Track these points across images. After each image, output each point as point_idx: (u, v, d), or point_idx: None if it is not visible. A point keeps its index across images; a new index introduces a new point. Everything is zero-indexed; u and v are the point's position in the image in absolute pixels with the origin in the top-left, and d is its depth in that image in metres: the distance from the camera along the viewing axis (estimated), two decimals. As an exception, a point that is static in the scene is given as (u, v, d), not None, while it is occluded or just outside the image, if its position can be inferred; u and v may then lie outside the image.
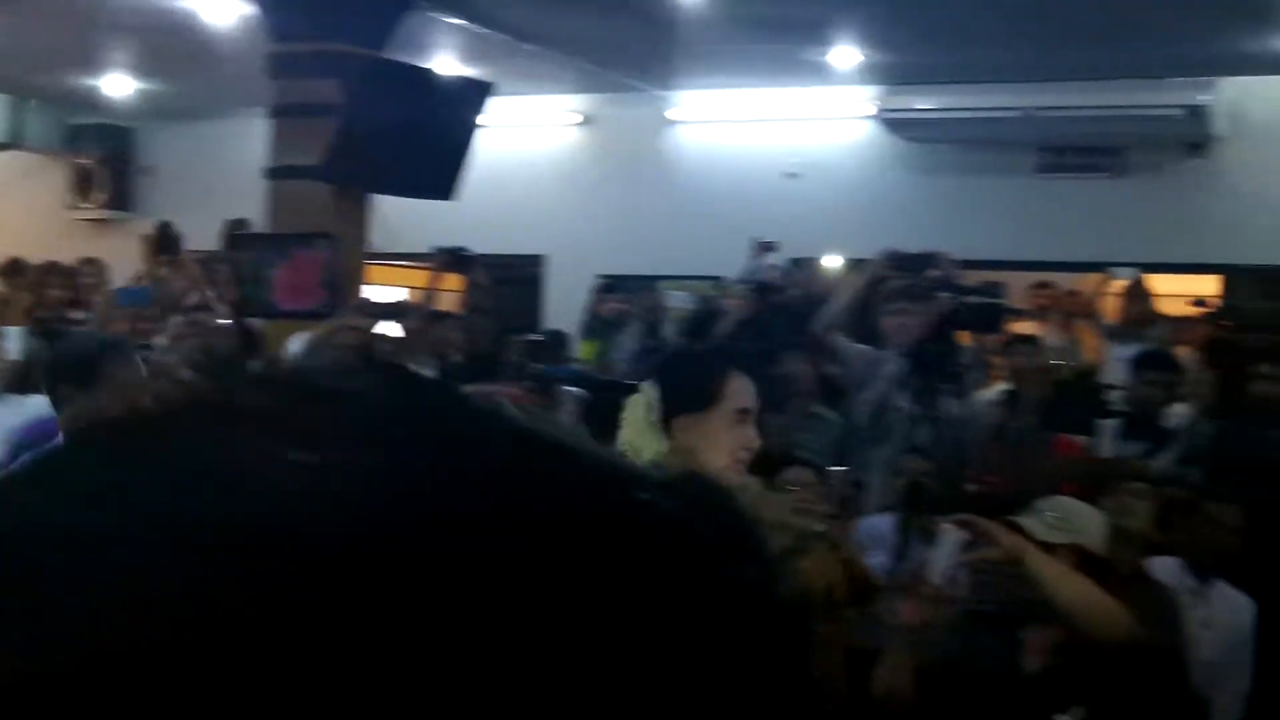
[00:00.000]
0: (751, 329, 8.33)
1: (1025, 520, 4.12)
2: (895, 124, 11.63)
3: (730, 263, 10.78)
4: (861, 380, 7.54)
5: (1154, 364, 7.60)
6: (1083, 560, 3.98)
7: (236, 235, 10.16)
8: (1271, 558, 5.92)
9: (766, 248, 10.33)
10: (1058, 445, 6.99)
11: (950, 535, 3.87)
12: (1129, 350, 8.67)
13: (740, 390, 3.44)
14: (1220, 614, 5.36)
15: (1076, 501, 4.44)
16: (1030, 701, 3.82)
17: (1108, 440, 7.10)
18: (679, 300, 10.71)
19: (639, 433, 3.39)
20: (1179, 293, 10.90)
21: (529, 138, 13.02)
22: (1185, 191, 11.14)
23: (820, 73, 11.06)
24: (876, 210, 11.29)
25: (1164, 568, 5.25)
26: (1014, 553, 3.86)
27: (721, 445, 3.40)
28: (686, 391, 3.42)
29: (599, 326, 10.33)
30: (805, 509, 5.29)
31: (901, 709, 4.07)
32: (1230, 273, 11.21)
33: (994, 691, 3.82)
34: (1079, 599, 3.90)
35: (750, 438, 3.45)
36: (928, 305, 7.37)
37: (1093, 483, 5.59)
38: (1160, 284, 10.20)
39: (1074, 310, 9.55)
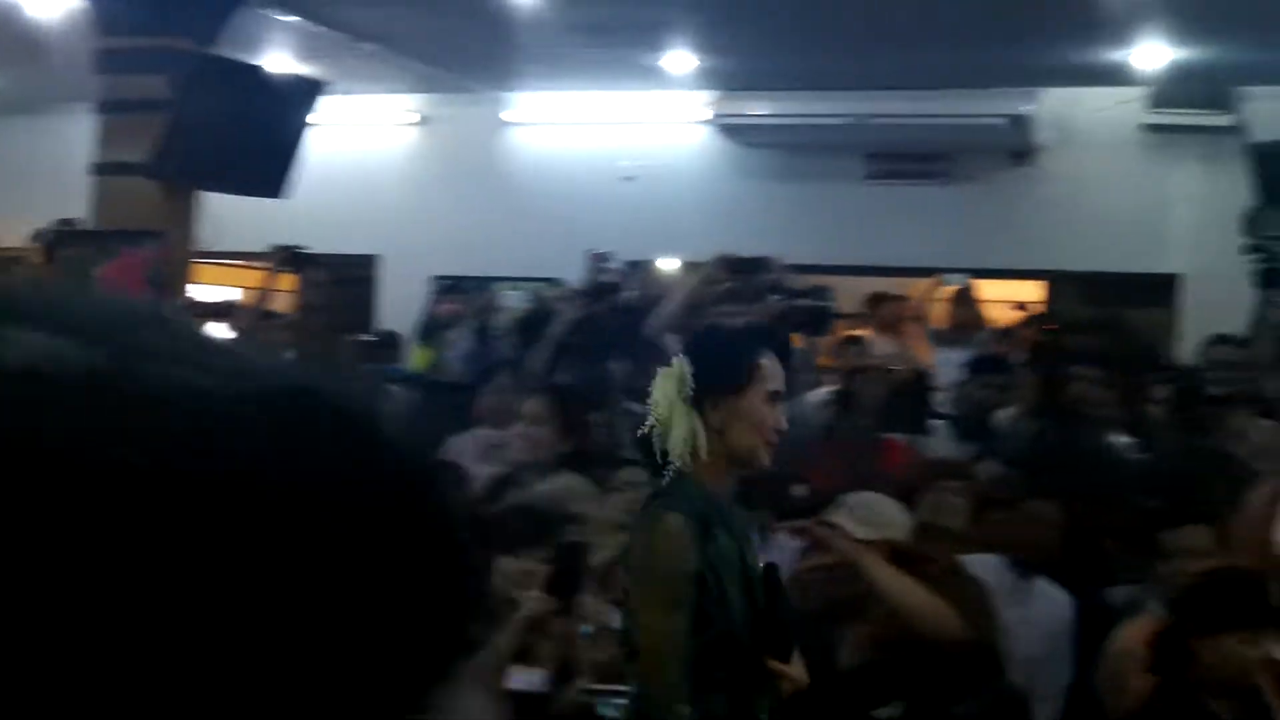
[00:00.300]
0: (586, 330, 8.34)
1: (836, 517, 4.19)
2: (729, 129, 11.72)
3: (566, 265, 10.79)
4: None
5: (986, 368, 7.80)
6: (893, 554, 4.06)
7: (62, 233, 9.92)
8: (1089, 554, 6.09)
9: (601, 258, 10.34)
10: (884, 446, 7.11)
11: (786, 541, 3.92)
12: (956, 354, 8.86)
13: (772, 372, 3.48)
14: (1040, 610, 5.49)
15: (880, 496, 4.53)
16: (850, 696, 3.89)
17: (939, 441, 7.24)
18: (515, 302, 10.69)
19: (669, 407, 3.39)
20: (1005, 298, 11.16)
21: (364, 137, 12.91)
22: (1010, 199, 11.40)
23: (655, 77, 11.12)
24: (711, 214, 11.37)
25: (984, 565, 5.36)
26: (851, 556, 3.93)
27: (752, 425, 3.43)
28: (721, 371, 3.44)
29: (434, 328, 10.27)
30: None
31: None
32: (1053, 278, 11.50)
33: (815, 687, 3.87)
34: (912, 600, 3.98)
35: (779, 419, 3.48)
36: (757, 308, 7.46)
37: (912, 481, 5.71)
38: (987, 289, 10.43)
39: (903, 315, 9.72)
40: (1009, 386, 7.57)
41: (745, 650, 3.31)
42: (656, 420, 3.39)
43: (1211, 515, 5.39)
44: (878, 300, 10.05)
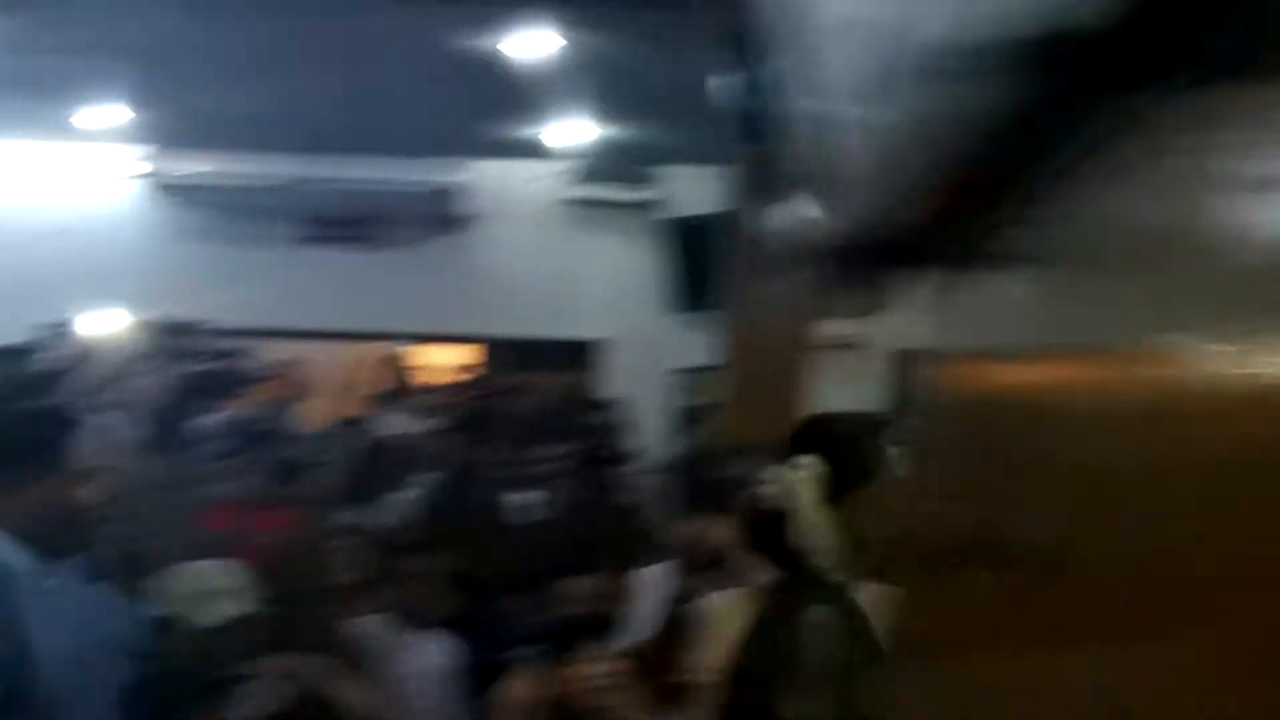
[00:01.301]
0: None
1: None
2: (165, 187, 11.48)
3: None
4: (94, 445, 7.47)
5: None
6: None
7: None
8: (486, 608, 6.34)
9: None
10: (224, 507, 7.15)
11: (266, 677, 3.89)
12: (396, 419, 9.09)
13: (894, 460, 3.42)
14: (428, 663, 5.69)
15: (209, 563, 4.52)
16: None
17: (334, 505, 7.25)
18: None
19: (815, 511, 3.40)
20: (445, 364, 11.44)
21: None
22: (439, 265, 11.60)
23: (87, 130, 10.77)
24: (146, 275, 11.03)
25: (372, 624, 5.51)
26: (317, 677, 3.99)
27: (882, 513, 3.33)
28: (853, 466, 3.44)
29: None
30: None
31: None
32: (482, 343, 11.83)
33: None
34: (361, 703, 4.09)
35: (897, 501, 3.45)
36: (169, 371, 7.42)
37: (306, 541, 5.79)
38: (426, 354, 10.65)
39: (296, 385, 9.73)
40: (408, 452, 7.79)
41: None
42: (806, 525, 3.42)
43: (599, 566, 5.71)
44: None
